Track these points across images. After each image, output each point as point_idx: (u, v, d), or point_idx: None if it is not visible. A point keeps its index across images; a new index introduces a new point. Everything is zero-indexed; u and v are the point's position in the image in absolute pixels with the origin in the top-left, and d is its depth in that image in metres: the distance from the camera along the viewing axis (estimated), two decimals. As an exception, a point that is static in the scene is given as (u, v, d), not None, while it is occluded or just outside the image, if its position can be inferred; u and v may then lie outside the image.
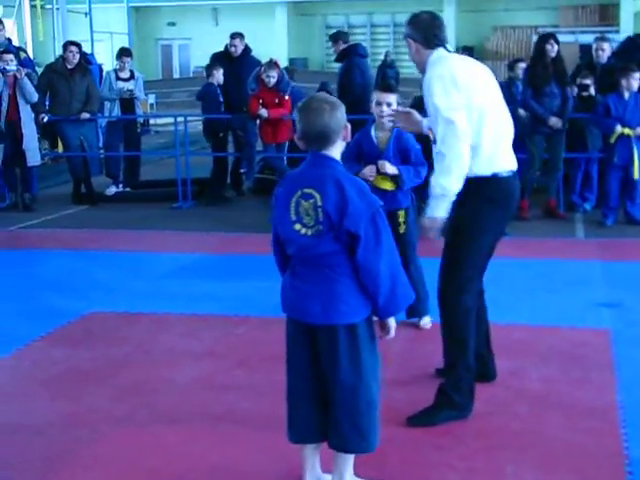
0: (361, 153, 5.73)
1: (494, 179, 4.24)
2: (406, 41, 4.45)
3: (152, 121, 18.87)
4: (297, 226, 3.36)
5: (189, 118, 11.50)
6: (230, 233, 9.07)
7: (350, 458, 3.55)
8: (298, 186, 3.37)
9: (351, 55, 10.12)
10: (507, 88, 9.50)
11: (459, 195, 4.17)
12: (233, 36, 11.02)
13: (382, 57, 21.78)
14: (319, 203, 3.31)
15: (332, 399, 3.44)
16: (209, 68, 10.92)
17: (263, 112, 10.20)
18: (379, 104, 5.63)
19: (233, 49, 10.93)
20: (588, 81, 9.41)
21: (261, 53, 12.55)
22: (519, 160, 4.50)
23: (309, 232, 3.35)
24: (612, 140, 8.85)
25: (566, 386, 4.76)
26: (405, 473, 3.85)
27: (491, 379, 4.74)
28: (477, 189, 4.21)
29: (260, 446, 4.08)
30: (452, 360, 4.40)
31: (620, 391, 4.66)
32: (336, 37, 10.46)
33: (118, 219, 9.98)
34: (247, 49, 11.08)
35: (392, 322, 3.46)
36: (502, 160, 4.29)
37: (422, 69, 4.41)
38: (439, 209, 4.20)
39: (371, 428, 3.46)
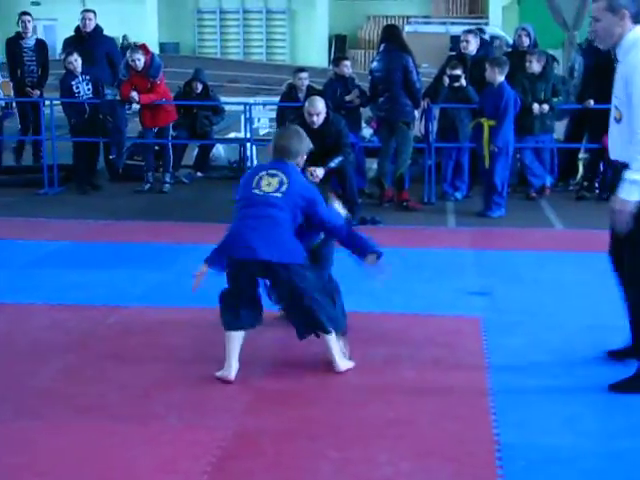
0: None
1: None
2: (612, 11, 4.38)
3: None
4: (255, 190, 4.78)
5: (55, 102, 11.16)
6: (98, 220, 8.86)
7: (331, 340, 4.79)
8: (264, 169, 4.87)
9: None
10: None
11: None
12: (86, 11, 11.11)
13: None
14: (285, 180, 4.76)
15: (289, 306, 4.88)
16: (65, 57, 10.64)
17: (134, 95, 10.05)
18: None
19: (86, 22, 10.91)
20: (458, 72, 9.58)
21: (131, 38, 12.31)
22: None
23: (266, 191, 4.75)
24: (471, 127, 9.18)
25: (439, 374, 4.83)
26: (280, 464, 3.82)
27: None
28: None
29: (129, 437, 3.99)
30: None
31: (490, 378, 4.76)
32: None
33: (-21, 205, 9.60)
34: (98, 27, 11.08)
35: (372, 258, 4.97)
36: None
37: (612, 43, 4.45)
38: (633, 193, 4.31)
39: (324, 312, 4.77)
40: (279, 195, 4.73)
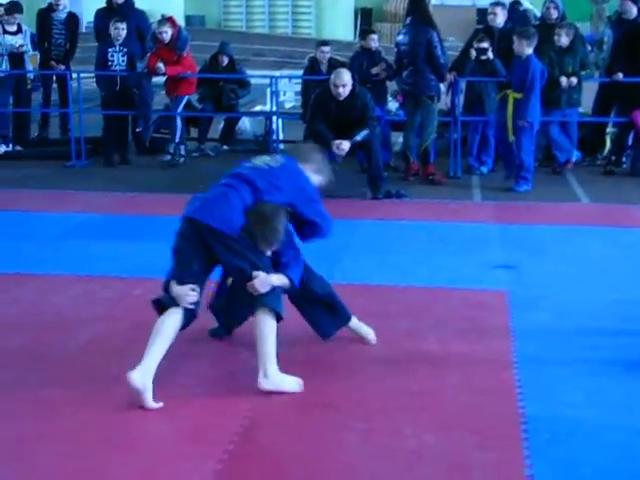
0: None
1: None
2: None
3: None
4: (246, 164, 4.48)
5: (83, 75, 11.20)
6: (125, 193, 8.90)
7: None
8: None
9: None
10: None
11: None
12: None
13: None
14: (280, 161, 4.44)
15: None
16: (97, 29, 10.64)
17: (160, 66, 10.07)
18: None
19: None
20: (485, 45, 9.49)
21: (157, 11, 12.31)
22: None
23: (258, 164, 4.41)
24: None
25: (463, 347, 4.82)
26: (305, 434, 3.85)
27: None
28: None
29: (157, 410, 4.03)
30: None
31: (515, 350, 4.75)
32: None
33: (8, 178, 9.66)
34: (130, 0, 11.01)
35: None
36: None
37: None
38: None
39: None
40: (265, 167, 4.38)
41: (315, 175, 4.49)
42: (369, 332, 4.81)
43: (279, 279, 4.26)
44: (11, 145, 11.22)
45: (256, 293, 4.15)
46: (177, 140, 10.41)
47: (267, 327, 4.16)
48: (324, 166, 4.57)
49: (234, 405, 4.08)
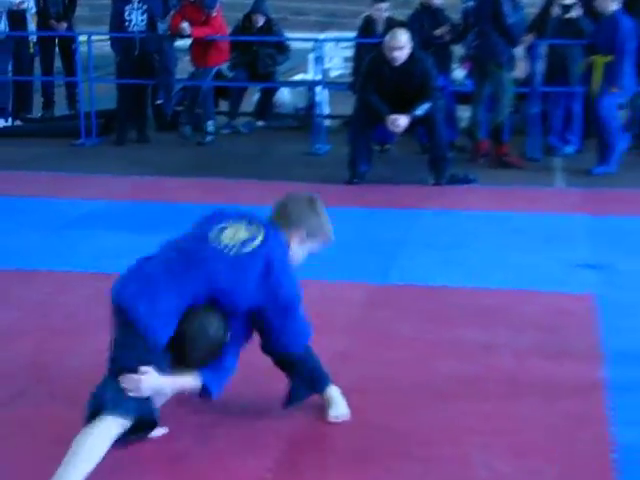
0: None
1: None
2: None
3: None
4: (207, 237, 3.83)
5: (93, 37, 11.30)
6: (143, 176, 8.98)
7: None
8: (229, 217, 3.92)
9: None
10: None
11: None
12: None
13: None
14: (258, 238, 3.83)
15: None
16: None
17: (185, 27, 10.12)
18: None
19: None
20: (569, 0, 9.45)
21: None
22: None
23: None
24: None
25: (543, 361, 4.81)
26: (355, 462, 3.85)
27: None
28: None
29: (175, 423, 4.06)
30: None
31: (605, 367, 4.73)
32: None
33: (7, 158, 9.80)
34: None
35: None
36: None
37: None
38: None
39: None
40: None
41: (308, 241, 3.95)
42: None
43: (183, 382, 3.82)
44: (10, 120, 11.35)
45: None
46: (204, 115, 10.48)
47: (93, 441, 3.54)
48: (321, 223, 3.97)
49: (274, 426, 4.10)
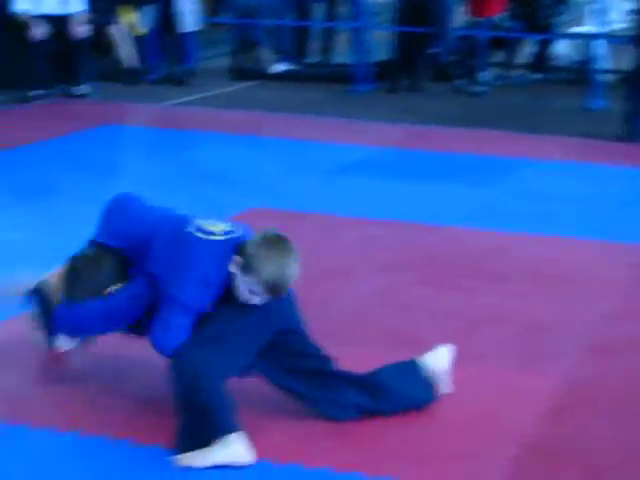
0: None
1: None
2: None
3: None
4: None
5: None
6: (415, 124, 8.99)
7: None
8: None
9: None
10: None
11: None
12: None
13: None
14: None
15: None
16: None
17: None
18: None
19: None
20: None
21: None
22: None
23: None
24: None
25: None
26: (619, 425, 3.72)
27: None
28: None
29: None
30: None
31: None
32: None
33: (285, 101, 10.04)
34: None
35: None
36: None
37: None
38: None
39: None
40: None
41: (244, 275, 3.43)
42: None
43: None
44: (290, 64, 11.58)
45: None
46: (478, 66, 10.39)
47: None
48: (265, 263, 3.42)
49: (538, 382, 4.02)
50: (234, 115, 9.45)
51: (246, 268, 3.42)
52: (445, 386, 3.76)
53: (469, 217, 6.23)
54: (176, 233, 3.58)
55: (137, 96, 10.28)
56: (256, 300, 3.47)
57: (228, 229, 3.58)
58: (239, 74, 11.30)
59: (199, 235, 3.53)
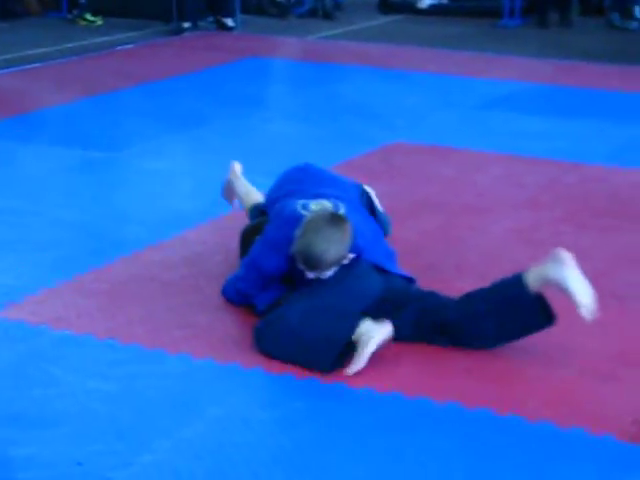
0: None
1: None
2: None
3: None
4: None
5: None
6: (563, 60, 8.81)
7: None
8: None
9: None
10: None
11: None
12: None
13: None
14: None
15: None
16: None
17: None
18: None
19: None
20: None
21: None
22: None
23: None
24: None
25: None
26: None
27: None
28: None
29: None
30: None
31: None
32: None
33: (431, 35, 9.95)
34: None
35: None
36: None
37: None
38: None
39: None
40: None
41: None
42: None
43: None
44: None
45: None
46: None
47: None
48: (299, 238, 3.60)
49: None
50: (380, 49, 9.42)
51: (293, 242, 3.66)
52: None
53: (615, 155, 6.10)
54: (285, 204, 3.91)
55: (284, 29, 10.35)
56: (309, 274, 3.63)
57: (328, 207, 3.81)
58: (387, 8, 11.24)
59: (296, 207, 3.82)
